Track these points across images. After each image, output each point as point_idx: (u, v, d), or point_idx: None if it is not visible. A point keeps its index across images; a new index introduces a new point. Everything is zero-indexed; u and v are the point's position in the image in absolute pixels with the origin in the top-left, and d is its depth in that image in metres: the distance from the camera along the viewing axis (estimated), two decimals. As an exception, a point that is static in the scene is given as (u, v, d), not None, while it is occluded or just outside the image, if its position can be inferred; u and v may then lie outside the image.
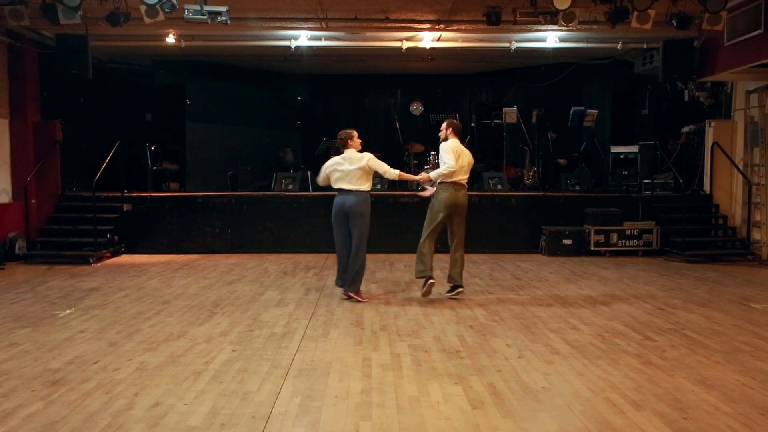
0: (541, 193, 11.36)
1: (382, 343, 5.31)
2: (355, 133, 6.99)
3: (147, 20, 7.90)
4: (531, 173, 12.20)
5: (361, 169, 6.76)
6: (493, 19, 8.72)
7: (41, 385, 4.29)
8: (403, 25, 10.16)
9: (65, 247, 10.06)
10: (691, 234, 10.43)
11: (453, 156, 6.77)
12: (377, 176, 7.80)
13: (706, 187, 11.18)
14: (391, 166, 7.11)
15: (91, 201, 10.21)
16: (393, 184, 11.93)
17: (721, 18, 8.30)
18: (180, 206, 11.04)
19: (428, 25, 10.19)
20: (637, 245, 10.63)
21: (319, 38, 10.87)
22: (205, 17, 7.94)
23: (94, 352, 5.03)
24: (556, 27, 9.19)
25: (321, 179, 7.12)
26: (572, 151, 12.89)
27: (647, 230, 10.65)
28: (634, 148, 11.88)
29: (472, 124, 14.21)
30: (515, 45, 11.07)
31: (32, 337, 5.48)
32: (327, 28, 10.29)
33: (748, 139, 10.73)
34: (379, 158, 7.02)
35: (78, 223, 10.37)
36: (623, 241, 10.62)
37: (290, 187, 11.51)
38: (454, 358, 4.88)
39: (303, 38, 10.76)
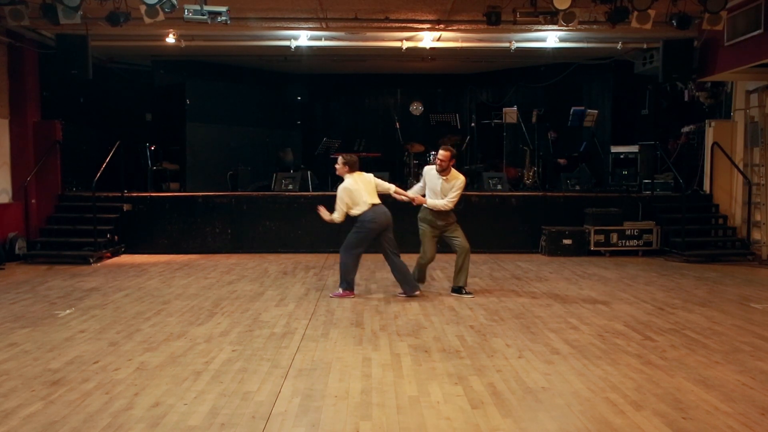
0: (541, 193, 11.35)
1: (382, 343, 5.31)
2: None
3: (147, 20, 7.90)
4: (531, 173, 12.20)
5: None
6: (493, 19, 8.72)
7: (41, 385, 4.29)
8: (403, 25, 10.15)
9: (65, 247, 10.06)
10: (691, 234, 10.43)
11: None
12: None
13: (706, 187, 11.18)
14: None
15: (91, 201, 10.20)
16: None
17: (721, 18, 8.29)
18: (180, 206, 11.04)
19: (428, 25, 10.18)
20: (637, 245, 10.63)
21: (319, 38, 10.87)
22: (205, 17, 7.94)
23: (94, 352, 5.04)
24: (556, 27, 9.19)
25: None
26: (572, 151, 12.88)
27: (647, 230, 10.65)
28: (634, 148, 11.88)
29: (472, 124, 14.21)
30: (515, 45, 11.07)
31: (32, 337, 5.48)
32: (327, 28, 10.29)
33: (748, 139, 10.73)
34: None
35: (78, 223, 10.37)
36: (623, 241, 10.62)
37: (290, 187, 11.51)
38: (454, 358, 4.88)
39: (303, 38, 10.76)
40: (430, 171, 7.19)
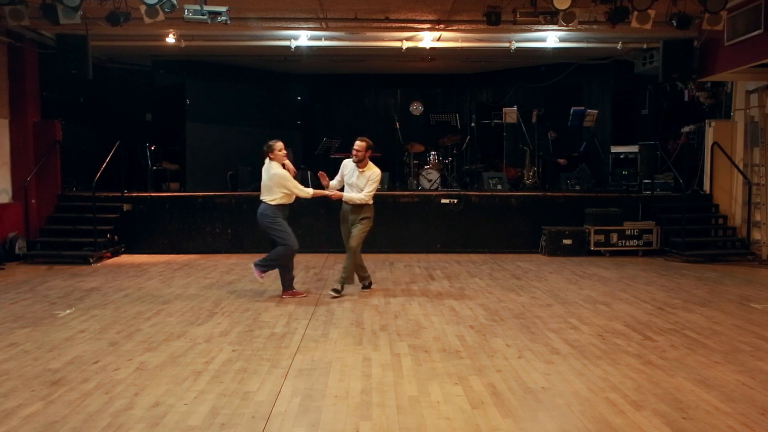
0: (541, 193, 11.35)
1: (382, 343, 5.32)
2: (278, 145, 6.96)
3: (147, 20, 7.89)
4: (531, 173, 12.20)
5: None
6: (493, 19, 8.72)
7: (41, 385, 4.29)
8: (403, 25, 10.15)
9: (65, 247, 10.05)
10: (691, 234, 10.43)
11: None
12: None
13: (706, 187, 11.18)
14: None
15: (91, 201, 10.20)
16: (393, 185, 11.96)
17: (721, 18, 8.29)
18: (180, 206, 11.04)
19: (428, 25, 10.18)
20: (637, 245, 10.62)
21: (319, 38, 10.87)
22: (205, 17, 7.94)
23: (94, 352, 5.04)
24: (556, 27, 9.19)
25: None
26: (572, 151, 12.87)
27: (647, 230, 10.64)
28: (634, 148, 11.87)
29: (472, 124, 14.21)
30: (515, 45, 11.07)
31: (32, 337, 5.48)
32: (327, 28, 10.29)
33: (748, 139, 10.73)
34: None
35: (78, 223, 10.37)
36: (623, 241, 10.61)
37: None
38: (454, 358, 4.88)
39: (303, 38, 10.76)
40: (348, 164, 7.14)
